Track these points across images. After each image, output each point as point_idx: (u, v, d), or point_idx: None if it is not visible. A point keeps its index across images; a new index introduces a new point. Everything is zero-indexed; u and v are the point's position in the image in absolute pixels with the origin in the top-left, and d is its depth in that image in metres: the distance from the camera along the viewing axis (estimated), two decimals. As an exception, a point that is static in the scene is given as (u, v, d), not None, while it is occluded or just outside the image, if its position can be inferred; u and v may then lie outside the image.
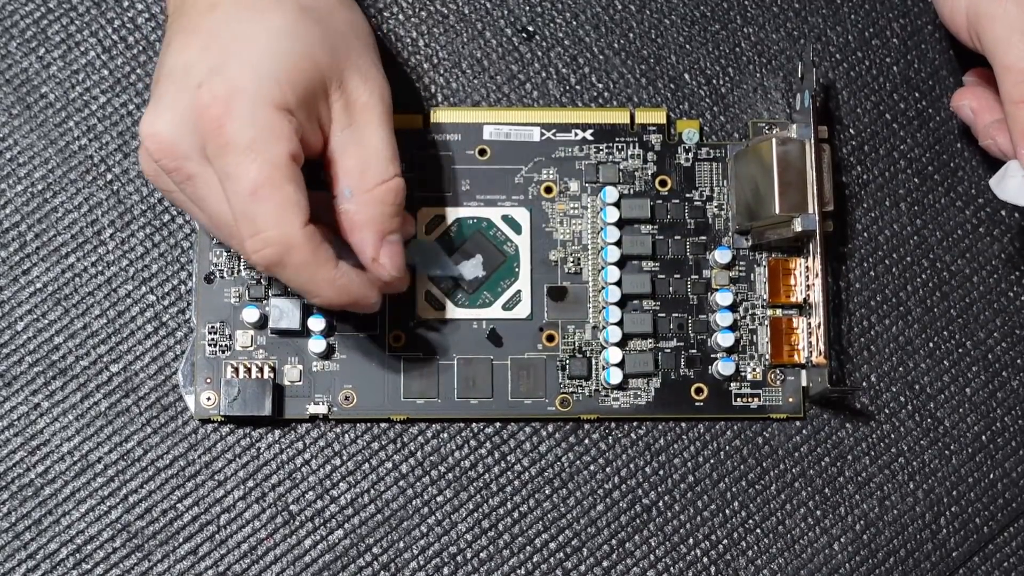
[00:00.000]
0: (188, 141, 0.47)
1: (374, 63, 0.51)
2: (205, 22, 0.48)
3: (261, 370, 0.54)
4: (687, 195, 0.57)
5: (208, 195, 0.48)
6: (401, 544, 0.54)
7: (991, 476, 0.56)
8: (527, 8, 0.59)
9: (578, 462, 0.55)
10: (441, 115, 0.57)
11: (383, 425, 0.55)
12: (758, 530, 0.55)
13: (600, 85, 0.58)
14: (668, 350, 0.56)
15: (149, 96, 0.50)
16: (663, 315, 0.56)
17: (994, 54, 0.52)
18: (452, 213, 0.56)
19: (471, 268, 0.55)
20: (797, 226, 0.54)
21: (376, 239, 0.49)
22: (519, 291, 0.56)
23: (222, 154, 0.46)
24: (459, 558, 0.54)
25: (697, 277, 0.56)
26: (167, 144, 0.47)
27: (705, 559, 0.55)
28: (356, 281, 0.49)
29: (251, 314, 0.54)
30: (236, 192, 0.46)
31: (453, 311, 0.55)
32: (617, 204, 0.56)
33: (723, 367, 0.55)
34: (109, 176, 0.56)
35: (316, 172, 0.50)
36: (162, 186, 0.49)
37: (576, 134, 0.57)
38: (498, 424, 0.55)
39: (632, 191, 0.57)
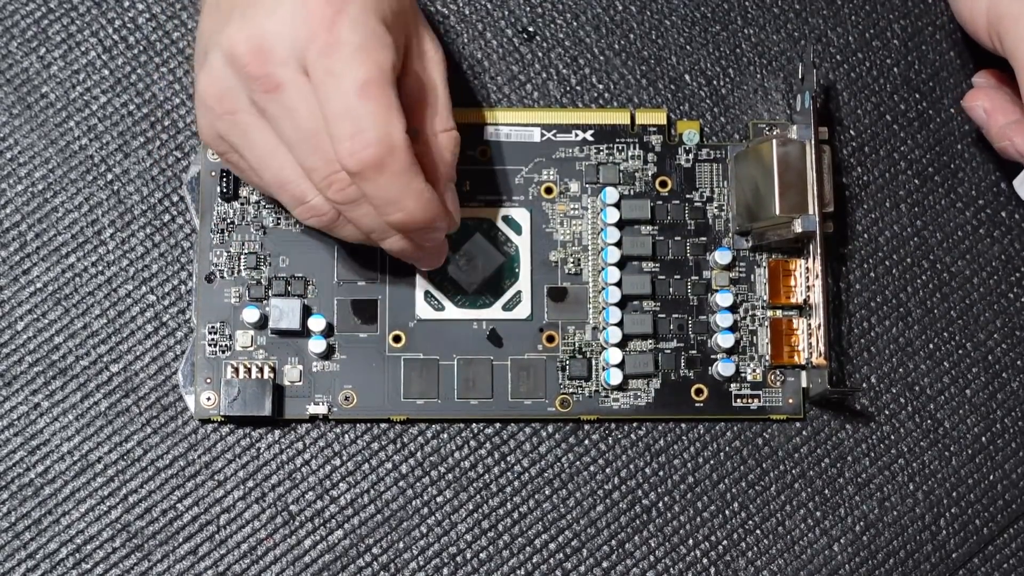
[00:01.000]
0: (288, 45, 0.47)
1: (432, 34, 0.52)
2: None
3: (261, 370, 0.54)
4: (687, 196, 0.57)
5: (299, 104, 0.47)
6: (401, 544, 0.54)
7: (991, 477, 0.56)
8: (527, 9, 0.59)
9: (578, 463, 0.55)
10: (441, 115, 0.57)
11: (383, 425, 0.55)
12: (758, 531, 0.55)
13: (600, 86, 0.58)
14: (668, 351, 0.56)
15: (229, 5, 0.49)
16: (663, 316, 0.56)
17: (1016, 53, 0.52)
18: (452, 213, 0.56)
19: (482, 264, 0.55)
20: (797, 227, 0.54)
21: (439, 181, 0.50)
22: (519, 292, 0.56)
23: (329, 53, 0.46)
24: (459, 559, 0.54)
25: (697, 278, 0.56)
26: (267, 47, 0.47)
27: (705, 560, 0.55)
28: (437, 201, 0.49)
29: (251, 314, 0.54)
30: (341, 90, 0.46)
31: (453, 311, 0.55)
32: (617, 205, 0.56)
33: (723, 368, 0.55)
34: (109, 176, 0.56)
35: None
36: (237, 107, 0.49)
37: (576, 135, 0.57)
38: (498, 425, 0.55)
39: (632, 192, 0.57)
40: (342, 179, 0.48)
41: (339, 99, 0.46)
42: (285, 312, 0.54)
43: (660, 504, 0.55)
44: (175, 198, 0.56)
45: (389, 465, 0.55)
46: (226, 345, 0.55)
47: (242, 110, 0.49)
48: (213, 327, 0.55)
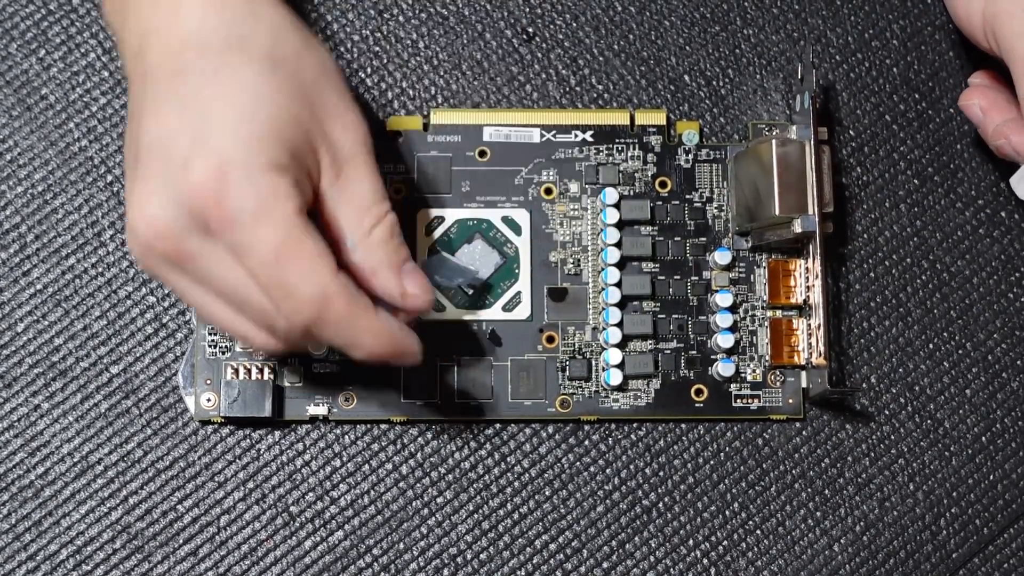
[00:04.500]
0: (184, 220, 0.44)
1: (349, 104, 0.48)
2: (174, 88, 0.45)
3: (261, 371, 0.54)
4: (687, 196, 0.57)
5: (218, 271, 0.45)
6: (401, 545, 0.54)
7: (991, 477, 0.56)
8: (527, 10, 0.59)
9: (578, 463, 0.55)
10: (441, 116, 0.57)
11: (383, 426, 0.55)
12: (758, 531, 0.55)
13: (600, 86, 0.58)
14: (668, 351, 0.56)
15: (125, 174, 0.48)
16: (663, 316, 0.56)
17: (1011, 52, 0.52)
18: (452, 214, 0.56)
19: (486, 261, 0.55)
20: (797, 227, 0.54)
21: (395, 275, 0.48)
22: (519, 292, 0.56)
23: (229, 229, 0.44)
24: (459, 559, 0.54)
25: (697, 278, 0.56)
26: (163, 227, 0.44)
27: (705, 560, 0.55)
28: (396, 326, 0.48)
29: (251, 315, 0.54)
30: (258, 263, 0.44)
31: (453, 312, 0.55)
32: (617, 205, 0.56)
33: (723, 368, 0.55)
34: (109, 177, 0.56)
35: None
36: (159, 273, 0.46)
37: (576, 135, 0.57)
38: (498, 425, 0.55)
39: (632, 192, 0.57)
40: (283, 328, 0.46)
41: (260, 271, 0.44)
42: (285, 313, 0.54)
43: (660, 504, 0.55)
44: (175, 199, 0.56)
45: (389, 466, 0.55)
46: (226, 346, 0.55)
47: (169, 276, 0.47)
48: (213, 328, 0.55)
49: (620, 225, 0.56)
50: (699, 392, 0.56)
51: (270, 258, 0.44)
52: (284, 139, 0.45)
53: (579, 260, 0.56)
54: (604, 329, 0.55)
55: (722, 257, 0.56)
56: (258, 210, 0.44)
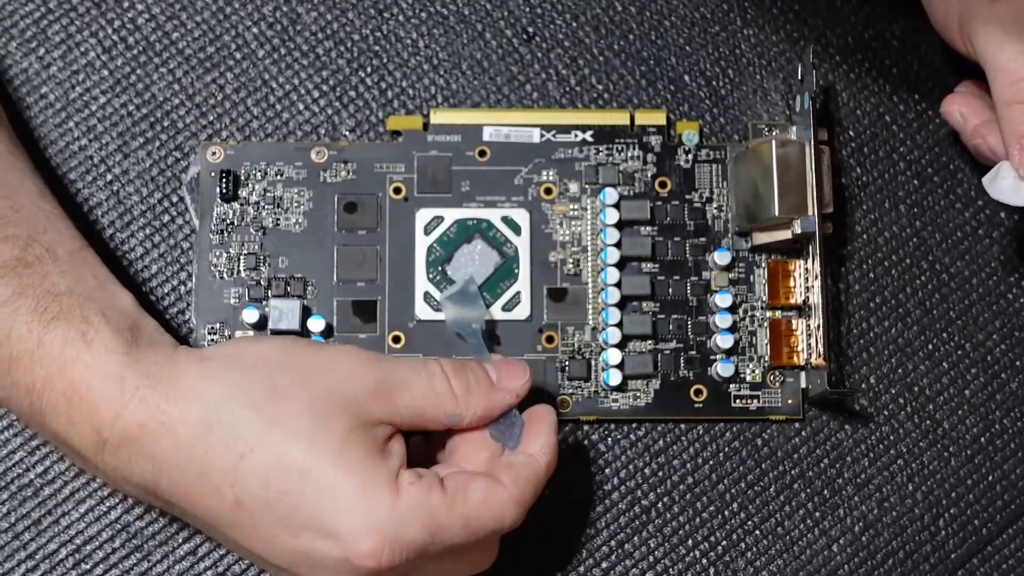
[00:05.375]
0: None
1: (390, 374, 0.49)
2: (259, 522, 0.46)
3: (261, 371, 0.54)
4: (687, 197, 0.57)
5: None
6: (400, 545, 0.54)
7: (990, 478, 0.56)
8: (527, 10, 0.59)
9: (577, 463, 0.55)
10: (441, 116, 0.57)
11: (382, 426, 0.55)
12: (757, 531, 0.55)
13: (600, 86, 0.58)
14: (667, 352, 0.56)
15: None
16: (662, 317, 0.56)
17: (986, 56, 0.52)
18: (452, 214, 0.56)
19: (486, 261, 0.55)
20: (797, 228, 0.54)
21: (506, 396, 0.50)
22: (519, 292, 0.56)
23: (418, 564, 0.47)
24: (458, 559, 0.54)
25: (696, 279, 0.56)
26: None
27: (704, 560, 0.55)
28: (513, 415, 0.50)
29: (251, 315, 0.54)
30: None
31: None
32: (617, 205, 0.56)
33: (722, 369, 0.55)
34: (109, 177, 0.56)
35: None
36: None
37: (576, 135, 0.57)
38: (497, 425, 0.55)
39: (632, 192, 0.57)
40: None
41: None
42: (285, 313, 0.54)
43: (659, 505, 0.55)
44: (174, 199, 0.56)
45: (388, 466, 0.55)
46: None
47: None
48: (213, 328, 0.55)
49: (620, 225, 0.56)
50: (698, 392, 0.56)
51: (468, 537, 0.47)
52: (356, 446, 0.46)
53: (579, 260, 0.56)
54: (603, 329, 0.55)
55: (722, 257, 0.56)
56: (427, 526, 0.46)
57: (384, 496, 0.45)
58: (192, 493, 0.46)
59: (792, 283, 0.56)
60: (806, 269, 0.56)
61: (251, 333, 0.55)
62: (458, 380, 0.49)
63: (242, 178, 0.56)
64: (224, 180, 0.55)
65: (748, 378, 0.56)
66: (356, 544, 0.45)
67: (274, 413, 0.46)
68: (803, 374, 0.56)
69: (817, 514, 0.56)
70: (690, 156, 0.57)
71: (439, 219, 0.56)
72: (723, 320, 0.55)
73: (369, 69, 0.58)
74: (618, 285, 0.56)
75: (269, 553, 0.47)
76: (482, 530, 0.47)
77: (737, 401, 0.56)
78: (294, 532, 0.46)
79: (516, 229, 0.56)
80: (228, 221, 0.55)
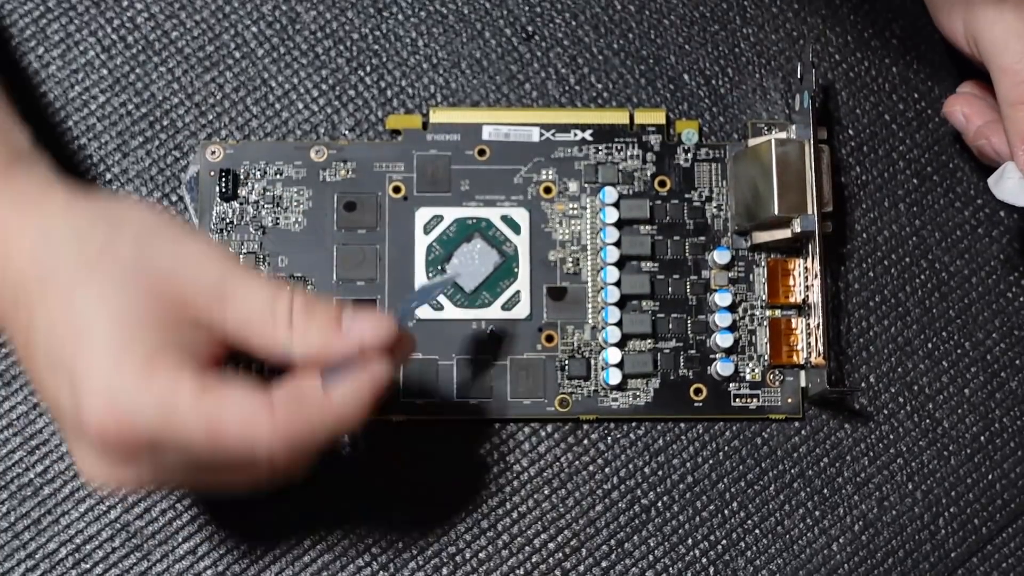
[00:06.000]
0: (114, 457, 0.45)
1: (185, 238, 0.46)
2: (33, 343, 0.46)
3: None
4: (686, 196, 0.57)
5: (181, 475, 0.47)
6: (400, 544, 0.54)
7: (990, 477, 0.56)
8: (526, 8, 0.59)
9: (577, 463, 0.55)
10: (440, 115, 0.57)
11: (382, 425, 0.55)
12: (757, 530, 0.55)
13: (599, 85, 0.58)
14: (667, 351, 0.56)
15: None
16: (662, 315, 0.56)
17: (991, 57, 0.52)
18: (451, 213, 0.56)
19: (485, 260, 0.55)
20: (796, 227, 0.54)
21: (343, 340, 0.46)
22: (518, 291, 0.56)
23: (151, 446, 0.44)
24: (458, 558, 0.54)
25: (696, 278, 0.56)
26: (101, 478, 0.46)
27: (704, 559, 0.55)
28: (356, 387, 0.46)
29: (250, 314, 0.54)
30: (201, 452, 0.44)
31: (452, 311, 0.55)
32: (616, 204, 0.56)
33: (722, 368, 0.55)
34: (108, 176, 0.56)
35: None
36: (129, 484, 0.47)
37: (575, 134, 0.57)
38: (497, 424, 0.55)
39: (631, 191, 0.57)
40: (267, 479, 0.47)
41: (204, 458, 0.45)
42: (284, 312, 0.54)
43: (659, 504, 0.55)
44: (174, 198, 0.56)
45: (389, 465, 0.55)
46: (225, 345, 0.54)
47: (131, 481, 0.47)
48: (212, 327, 0.55)
49: (619, 224, 0.56)
50: (698, 391, 0.56)
51: (207, 444, 0.44)
52: (145, 327, 0.44)
53: (578, 259, 0.56)
54: (603, 328, 0.55)
55: (721, 256, 0.56)
56: (164, 415, 0.43)
57: (138, 372, 0.44)
58: (6, 308, 0.46)
59: (792, 282, 0.56)
60: (806, 268, 0.56)
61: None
62: (302, 309, 0.45)
63: (241, 177, 0.56)
64: (223, 179, 0.55)
65: (748, 377, 0.56)
66: (88, 409, 0.44)
67: (95, 272, 0.45)
68: (803, 373, 0.56)
69: (817, 513, 0.56)
70: (689, 155, 0.57)
71: (438, 218, 0.56)
72: (723, 319, 0.55)
73: (368, 68, 0.58)
74: (618, 284, 0.56)
75: (37, 387, 0.47)
76: (227, 444, 0.44)
77: (737, 400, 0.56)
78: (55, 375, 0.45)
79: (515, 228, 0.56)
80: (227, 220, 0.55)
